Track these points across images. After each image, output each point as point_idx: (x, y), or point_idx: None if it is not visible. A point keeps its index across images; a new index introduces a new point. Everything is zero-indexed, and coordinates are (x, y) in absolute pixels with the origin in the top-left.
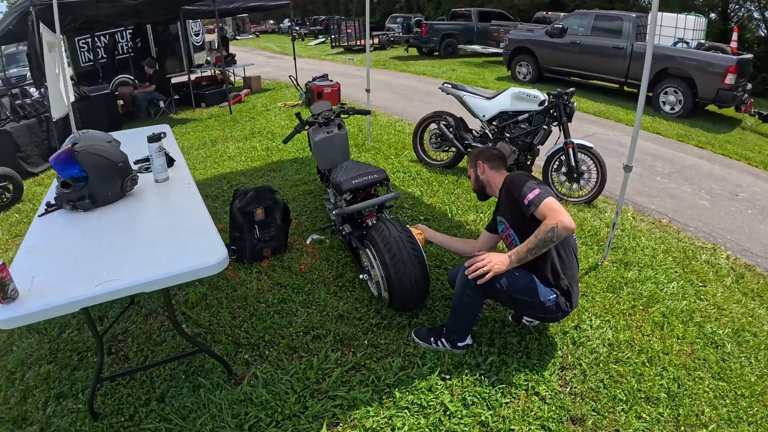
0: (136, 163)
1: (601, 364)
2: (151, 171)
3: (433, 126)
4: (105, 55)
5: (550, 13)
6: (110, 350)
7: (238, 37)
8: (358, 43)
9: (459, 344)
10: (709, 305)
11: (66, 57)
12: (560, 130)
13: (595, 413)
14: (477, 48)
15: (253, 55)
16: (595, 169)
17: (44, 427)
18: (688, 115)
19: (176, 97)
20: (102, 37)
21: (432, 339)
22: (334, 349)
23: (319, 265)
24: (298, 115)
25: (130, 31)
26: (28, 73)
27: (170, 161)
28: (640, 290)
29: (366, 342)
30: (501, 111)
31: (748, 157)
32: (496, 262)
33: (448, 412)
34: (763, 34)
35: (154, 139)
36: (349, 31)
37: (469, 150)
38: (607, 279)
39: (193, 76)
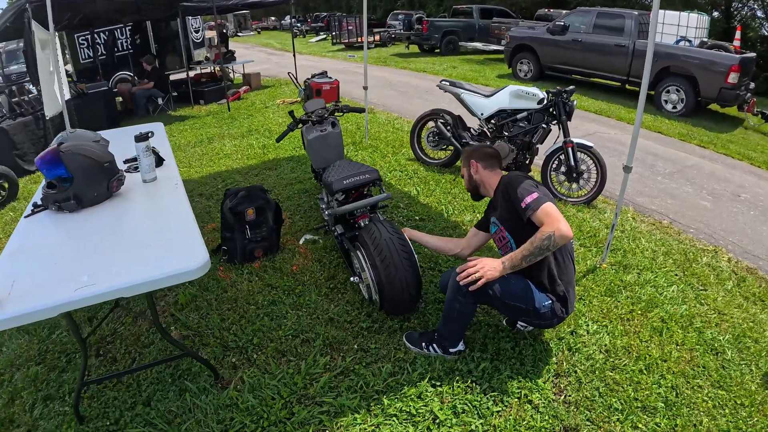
0: (125, 162)
1: (597, 372)
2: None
3: (431, 124)
4: (104, 52)
5: (551, 10)
6: (98, 352)
7: (239, 34)
8: (359, 40)
9: (451, 350)
10: (709, 310)
11: (66, 54)
12: (560, 129)
13: (589, 423)
14: (478, 45)
15: (254, 52)
16: (594, 168)
17: (31, 429)
18: (690, 114)
19: (175, 94)
20: (101, 34)
21: (423, 344)
22: (323, 353)
23: (311, 266)
24: (291, 113)
25: (130, 27)
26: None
27: (160, 160)
28: (639, 294)
29: (356, 346)
30: (499, 109)
31: (750, 157)
32: (489, 268)
33: (437, 421)
34: (766, 33)
35: (142, 138)
36: (350, 28)
37: None
38: (606, 282)
39: (192, 73)
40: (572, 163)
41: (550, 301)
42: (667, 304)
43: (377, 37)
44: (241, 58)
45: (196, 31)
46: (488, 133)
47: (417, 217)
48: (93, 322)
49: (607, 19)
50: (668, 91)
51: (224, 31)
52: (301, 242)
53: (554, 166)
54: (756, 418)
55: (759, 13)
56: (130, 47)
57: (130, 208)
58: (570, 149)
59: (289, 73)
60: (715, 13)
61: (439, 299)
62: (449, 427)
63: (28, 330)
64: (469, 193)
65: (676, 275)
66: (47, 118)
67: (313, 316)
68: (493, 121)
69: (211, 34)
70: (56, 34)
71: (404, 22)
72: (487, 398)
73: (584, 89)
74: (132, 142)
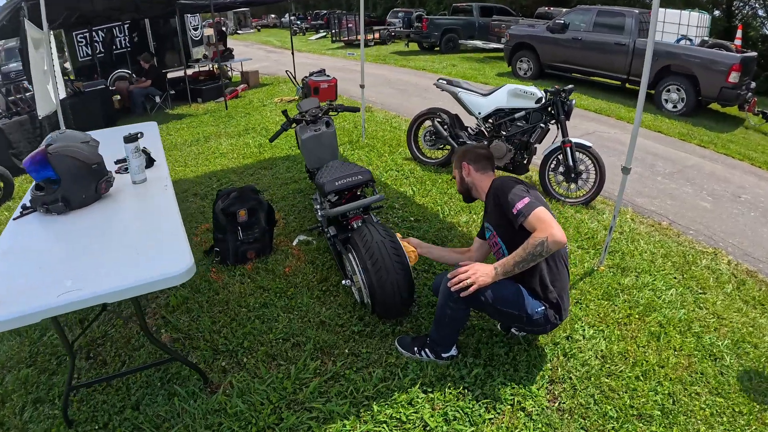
0: (116, 162)
1: (592, 378)
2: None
3: (428, 123)
4: (103, 50)
5: (552, 8)
6: (89, 355)
7: (239, 32)
8: (359, 37)
9: (443, 355)
10: (708, 314)
11: (64, 52)
12: (558, 129)
13: (583, 431)
14: (478, 43)
15: (254, 50)
16: (593, 168)
17: None
18: (691, 114)
19: (172, 92)
20: (100, 32)
21: (416, 348)
22: (313, 357)
23: (304, 268)
24: (284, 112)
25: (128, 25)
26: None
27: (151, 161)
28: (636, 298)
29: (347, 351)
30: (497, 108)
31: (751, 157)
32: (481, 274)
33: (428, 428)
34: (767, 32)
35: (131, 139)
36: (350, 25)
37: None
38: (603, 285)
39: (190, 71)
40: (570, 163)
41: (543, 308)
42: (665, 308)
43: (377, 35)
44: (240, 55)
45: (195, 29)
46: (486, 133)
47: (412, 218)
48: (84, 324)
49: (608, 18)
50: (668, 90)
51: (222, 28)
52: (294, 243)
53: (552, 166)
54: (755, 427)
55: (760, 12)
56: (128, 45)
57: (118, 210)
58: (568, 149)
59: (287, 71)
60: (717, 12)
61: (432, 302)
62: None
63: (20, 332)
64: (461, 195)
65: (675, 278)
66: (39, 118)
67: (304, 319)
68: (490, 120)
69: (210, 31)
70: (51, 32)
71: (404, 19)
72: (479, 405)
73: (584, 88)
74: (123, 142)
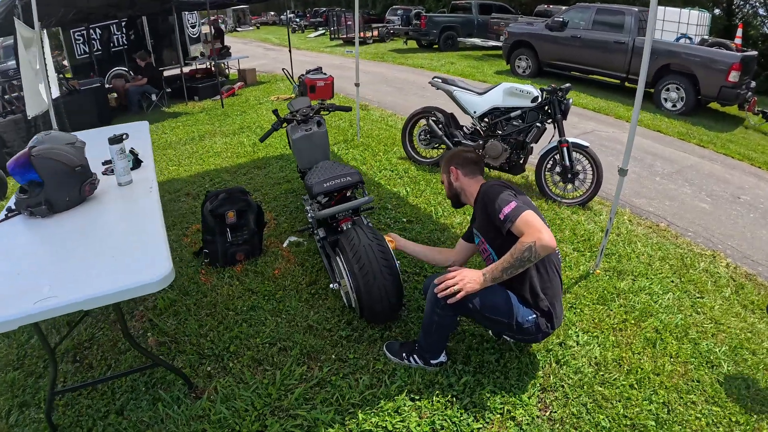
0: (104, 164)
1: (585, 386)
2: None
3: (423, 122)
4: (100, 48)
5: (551, 6)
6: (75, 358)
7: (238, 29)
8: (359, 35)
9: (432, 362)
10: (705, 319)
11: (62, 50)
12: (555, 128)
13: None
14: (476, 41)
15: (252, 47)
16: (590, 169)
17: None
18: (690, 113)
19: (168, 90)
20: (97, 29)
21: (404, 354)
22: (300, 362)
23: (294, 270)
24: (275, 111)
25: (125, 23)
26: None
27: (138, 162)
28: (632, 302)
29: (333, 356)
30: (492, 107)
31: (751, 157)
32: (469, 280)
33: None
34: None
35: (116, 140)
36: (349, 23)
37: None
38: (598, 289)
39: (187, 69)
40: (567, 163)
41: (534, 316)
42: (661, 313)
43: (375, 33)
44: (238, 53)
45: (193, 27)
46: (481, 132)
47: (404, 219)
48: (72, 325)
49: (607, 16)
50: (668, 89)
51: (222, 26)
52: (285, 245)
53: (549, 166)
54: None
55: (761, 11)
56: (125, 43)
57: (101, 213)
58: (565, 149)
59: (283, 69)
60: (717, 11)
61: (422, 307)
62: None
63: (8, 334)
64: (450, 201)
65: (672, 282)
66: (29, 118)
67: (292, 323)
68: (486, 119)
69: (207, 29)
70: (45, 31)
71: (403, 17)
72: (468, 414)
73: (583, 86)
74: (125, 140)
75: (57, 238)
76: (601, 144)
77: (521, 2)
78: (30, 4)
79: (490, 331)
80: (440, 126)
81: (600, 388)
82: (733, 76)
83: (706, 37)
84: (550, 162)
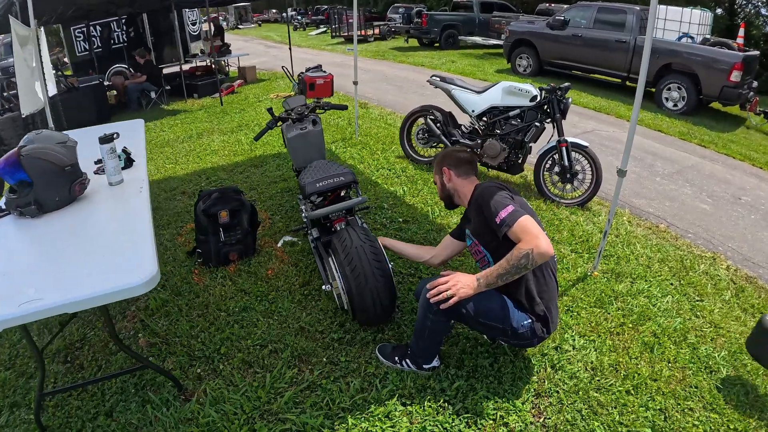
0: (96, 163)
1: (580, 392)
2: None
3: (421, 120)
4: (100, 45)
5: (553, 5)
6: (66, 359)
7: (240, 26)
8: (360, 33)
9: (425, 366)
10: (705, 323)
11: (63, 47)
12: (554, 128)
13: None
14: (477, 40)
15: (253, 45)
16: (589, 169)
17: None
18: (692, 113)
19: (168, 87)
20: (97, 27)
21: (396, 358)
22: (290, 365)
23: (287, 271)
24: (270, 110)
25: (125, 20)
26: None
27: (130, 161)
28: (631, 305)
29: (325, 359)
30: (491, 106)
31: (752, 157)
32: (462, 285)
33: None
34: None
35: (106, 140)
36: (350, 21)
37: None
38: (596, 292)
39: (188, 66)
40: (566, 163)
41: (530, 321)
42: (660, 317)
43: (377, 31)
44: (239, 50)
45: (193, 24)
46: (479, 131)
47: (401, 219)
48: (63, 325)
49: (608, 14)
50: (669, 89)
51: (223, 23)
52: (279, 244)
53: (548, 165)
54: None
55: (763, 11)
56: (125, 40)
57: (90, 214)
58: (564, 149)
59: (283, 66)
60: (719, 10)
61: (416, 309)
62: None
63: (1, 333)
64: (443, 202)
65: (672, 284)
66: (23, 116)
67: (284, 324)
68: (484, 118)
69: (207, 26)
70: (42, 29)
71: (404, 15)
72: (460, 420)
73: (584, 85)
74: (116, 139)
75: (46, 238)
76: (602, 143)
77: (523, 1)
78: (26, 2)
79: (485, 335)
80: (438, 125)
81: (595, 394)
82: (735, 76)
83: (708, 36)
84: (549, 162)
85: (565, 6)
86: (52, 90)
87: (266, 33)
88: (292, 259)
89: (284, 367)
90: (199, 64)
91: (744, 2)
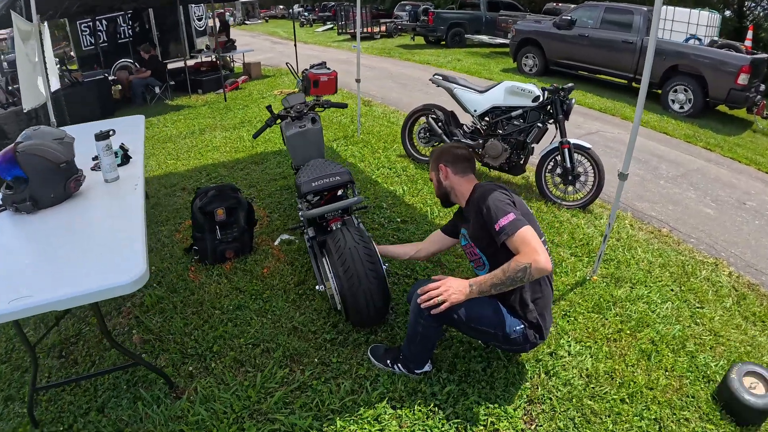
0: (93, 159)
1: (574, 400)
2: None
3: (423, 119)
4: (106, 40)
5: (560, 4)
6: (61, 353)
7: (247, 22)
8: (366, 30)
9: (416, 371)
10: (704, 331)
11: (69, 41)
12: (556, 129)
13: None
14: (484, 38)
15: (260, 40)
16: (592, 171)
17: None
18: (698, 115)
19: (172, 83)
20: (103, 21)
21: (388, 361)
22: (282, 365)
23: (283, 270)
24: (269, 107)
25: (130, 15)
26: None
27: (127, 158)
28: (629, 311)
29: (316, 359)
30: (493, 106)
31: (758, 162)
32: (454, 291)
33: None
34: None
35: (102, 137)
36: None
37: None
38: (594, 297)
39: (193, 62)
40: (568, 164)
41: (523, 326)
42: (659, 324)
43: (383, 28)
44: (245, 46)
45: (199, 19)
46: (481, 131)
47: (398, 219)
48: (59, 320)
49: (615, 15)
50: (676, 91)
51: (231, 18)
52: (276, 243)
53: (550, 167)
54: None
55: None
56: (130, 35)
57: (85, 210)
58: (566, 150)
59: (287, 63)
60: (727, 12)
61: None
62: None
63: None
64: (439, 200)
65: (672, 290)
66: (24, 111)
67: (277, 324)
68: (486, 118)
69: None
70: (45, 24)
71: (411, 13)
72: (450, 425)
73: (589, 86)
74: (112, 136)
75: (40, 234)
76: (606, 145)
77: (530, 0)
78: None
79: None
80: (440, 124)
81: (590, 402)
82: (743, 79)
83: (716, 38)
84: (551, 163)
85: (573, 6)
86: (55, 85)
87: (273, 29)
88: (288, 257)
89: (275, 367)
90: (204, 59)
91: (753, 4)
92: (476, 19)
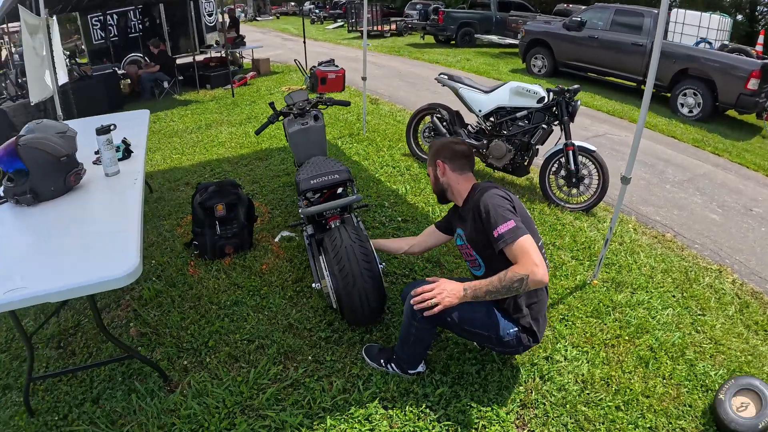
0: (96, 152)
1: (568, 405)
2: None
3: (429, 119)
4: (117, 34)
5: (571, 5)
6: (59, 344)
7: (258, 18)
8: (377, 28)
9: (409, 372)
10: (705, 339)
11: (80, 35)
12: (561, 130)
13: None
14: (493, 38)
15: (270, 37)
16: (596, 174)
17: None
18: (707, 120)
19: (181, 77)
20: (114, 15)
21: (382, 361)
22: (276, 362)
23: (281, 266)
24: (271, 104)
25: (140, 9)
26: None
27: (129, 152)
28: (629, 317)
29: (310, 357)
30: (498, 106)
31: (766, 168)
32: (447, 294)
33: None
34: None
35: (103, 131)
36: (368, 16)
37: None
38: (594, 302)
39: (202, 57)
40: (572, 167)
41: (516, 330)
42: (658, 330)
43: (393, 26)
44: (255, 42)
45: (210, 15)
46: (486, 131)
47: (400, 218)
48: (59, 311)
49: (626, 17)
50: (685, 95)
51: (241, 14)
52: (276, 239)
53: (554, 169)
54: None
55: None
56: (139, 30)
57: (84, 203)
58: (571, 152)
59: (295, 60)
60: (739, 16)
61: None
62: None
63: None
64: (436, 196)
65: (674, 297)
66: (31, 104)
67: (273, 320)
68: (491, 118)
69: (225, 17)
70: (54, 18)
71: (421, 12)
72: (441, 427)
73: (598, 88)
74: (113, 131)
75: (39, 227)
76: (613, 148)
77: (541, 1)
78: None
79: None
80: (444, 123)
81: (584, 408)
82: (753, 84)
83: (727, 42)
84: (555, 165)
85: (583, 7)
86: (63, 78)
87: (284, 26)
88: (287, 254)
89: (269, 364)
90: (213, 55)
91: (765, 9)
92: (486, 19)
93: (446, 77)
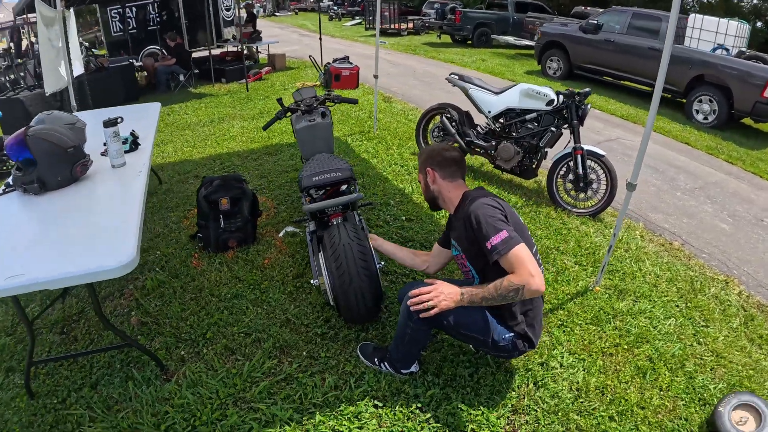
0: (105, 144)
1: (560, 413)
2: None
3: (438, 118)
4: (135, 26)
5: (589, 8)
6: (62, 330)
7: (277, 14)
8: (394, 26)
9: (403, 371)
10: (706, 351)
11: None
12: (571, 134)
13: None
14: (510, 39)
15: (288, 32)
16: (605, 179)
17: None
18: (722, 127)
19: (197, 71)
20: (133, 8)
21: (376, 359)
22: (271, 355)
23: (283, 261)
24: (279, 100)
25: (159, 2)
26: None
27: (136, 145)
28: (629, 325)
29: (305, 353)
30: (507, 108)
31: None
32: (444, 297)
33: None
34: None
35: (110, 124)
36: (385, 13)
37: (471, 147)
38: (594, 308)
39: (218, 51)
40: (580, 171)
41: (511, 335)
42: (659, 341)
43: (410, 25)
44: (273, 38)
45: (228, 9)
46: (495, 133)
47: (404, 218)
48: (64, 297)
49: (643, 21)
50: (700, 101)
51: (259, 9)
52: (281, 234)
53: (562, 172)
54: None
55: None
56: (157, 23)
57: (90, 193)
58: (579, 156)
59: (310, 56)
60: (759, 23)
61: None
62: None
63: (5, 301)
64: (427, 203)
65: (677, 306)
66: (46, 94)
67: (271, 315)
68: (501, 120)
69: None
70: (71, 10)
71: (438, 11)
72: (429, 428)
73: (613, 92)
74: (120, 123)
75: (44, 215)
76: (624, 153)
77: (559, 2)
78: None
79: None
80: (453, 124)
81: (576, 417)
82: None
83: (744, 49)
84: (564, 168)
85: (601, 10)
86: (78, 70)
87: (302, 21)
88: (290, 250)
89: (264, 357)
90: (230, 49)
91: None
92: (503, 20)
93: (457, 77)
